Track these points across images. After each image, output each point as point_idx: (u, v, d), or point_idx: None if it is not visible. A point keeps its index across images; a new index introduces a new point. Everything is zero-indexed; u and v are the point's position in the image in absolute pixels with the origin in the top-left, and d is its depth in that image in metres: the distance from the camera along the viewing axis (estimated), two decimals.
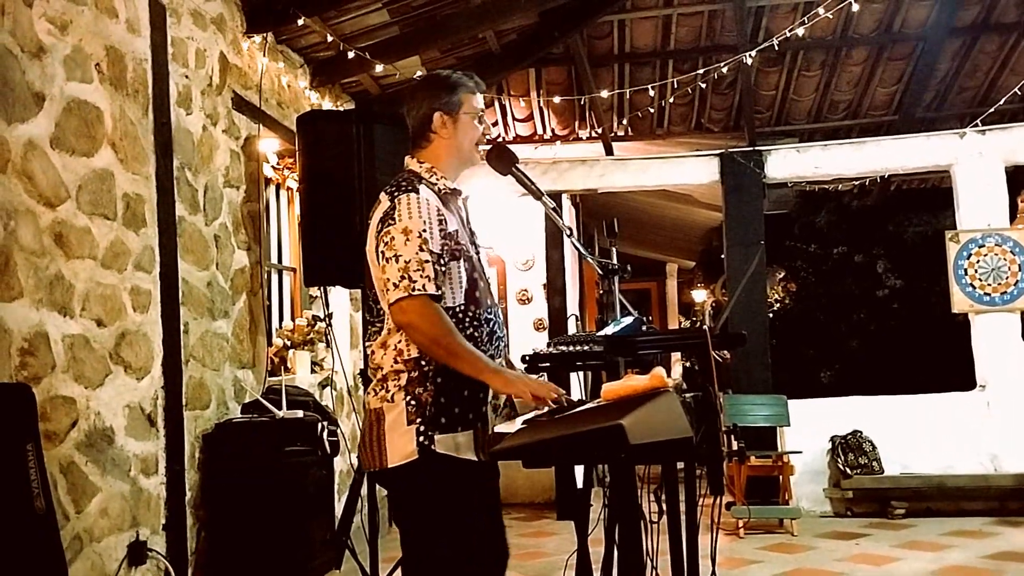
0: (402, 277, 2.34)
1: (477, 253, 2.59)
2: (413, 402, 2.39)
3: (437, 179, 2.56)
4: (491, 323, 2.52)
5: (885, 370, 9.67)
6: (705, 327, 2.53)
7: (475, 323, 2.47)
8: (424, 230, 2.39)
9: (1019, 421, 6.86)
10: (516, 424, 2.30)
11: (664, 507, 2.71)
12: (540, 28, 6.65)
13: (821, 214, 10.77)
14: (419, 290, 2.33)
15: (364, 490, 4.37)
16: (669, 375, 2.31)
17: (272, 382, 4.98)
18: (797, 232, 11.05)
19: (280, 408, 4.47)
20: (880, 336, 10.51)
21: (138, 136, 3.97)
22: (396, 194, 2.45)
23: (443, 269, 2.42)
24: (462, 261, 2.47)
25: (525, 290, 8.52)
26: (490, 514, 2.52)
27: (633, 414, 2.03)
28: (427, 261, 2.36)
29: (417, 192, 2.44)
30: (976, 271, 7.01)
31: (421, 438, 2.37)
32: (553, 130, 8.17)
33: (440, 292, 2.39)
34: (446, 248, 2.43)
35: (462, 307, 2.46)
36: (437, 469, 2.37)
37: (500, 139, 8.00)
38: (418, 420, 2.38)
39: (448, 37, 6.09)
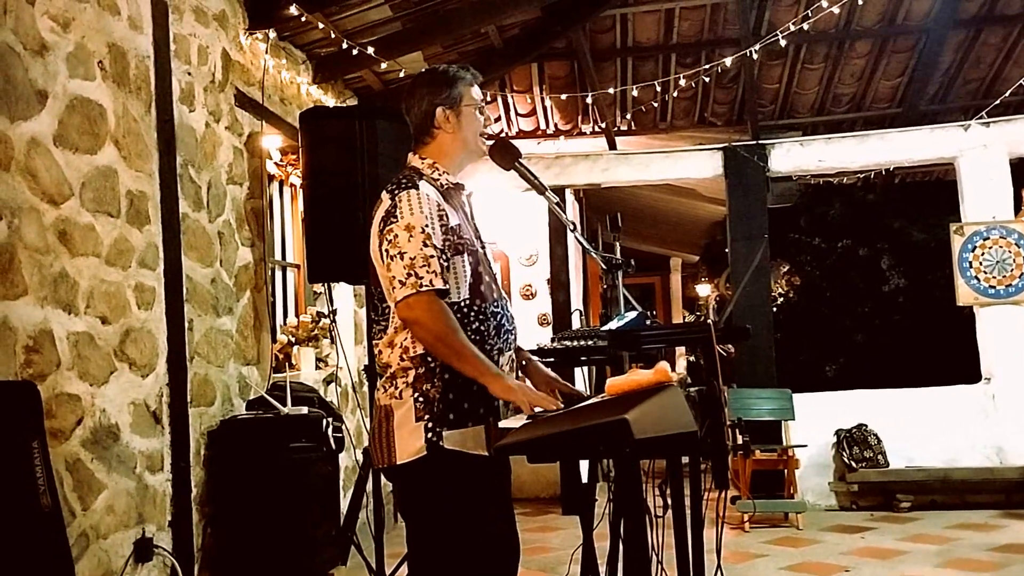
0: (408, 274, 2.34)
1: (482, 247, 2.58)
2: (421, 399, 2.39)
3: (439, 174, 2.55)
4: (498, 316, 2.51)
5: (890, 363, 9.65)
6: (709, 321, 2.53)
7: (480, 317, 2.46)
8: (427, 225, 2.38)
9: None
10: (521, 419, 2.30)
11: (669, 501, 2.72)
12: (542, 23, 6.65)
13: (835, 205, 10.74)
14: (426, 286, 2.33)
15: (369, 486, 4.38)
16: (673, 369, 2.31)
17: (277, 379, 4.98)
18: (804, 225, 11.03)
19: (285, 404, 4.48)
20: (885, 329, 10.50)
21: (141, 133, 3.97)
22: (396, 191, 2.44)
23: (447, 264, 2.41)
24: (466, 255, 2.46)
25: (529, 285, 8.51)
26: (501, 509, 2.52)
27: (638, 408, 2.04)
28: (432, 256, 2.36)
29: (417, 188, 2.43)
30: (981, 264, 7.00)
31: (429, 435, 2.36)
32: (556, 125, 8.16)
33: (447, 286, 2.39)
34: (448, 243, 2.43)
35: (467, 301, 2.45)
36: (446, 465, 2.36)
37: (503, 134, 8.00)
38: (426, 417, 2.38)
39: (450, 32, 6.09)
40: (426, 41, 6.07)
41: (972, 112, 7.43)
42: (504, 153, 2.66)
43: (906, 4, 6.93)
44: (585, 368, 4.21)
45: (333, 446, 4.53)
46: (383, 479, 3.88)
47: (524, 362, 2.69)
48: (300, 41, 5.68)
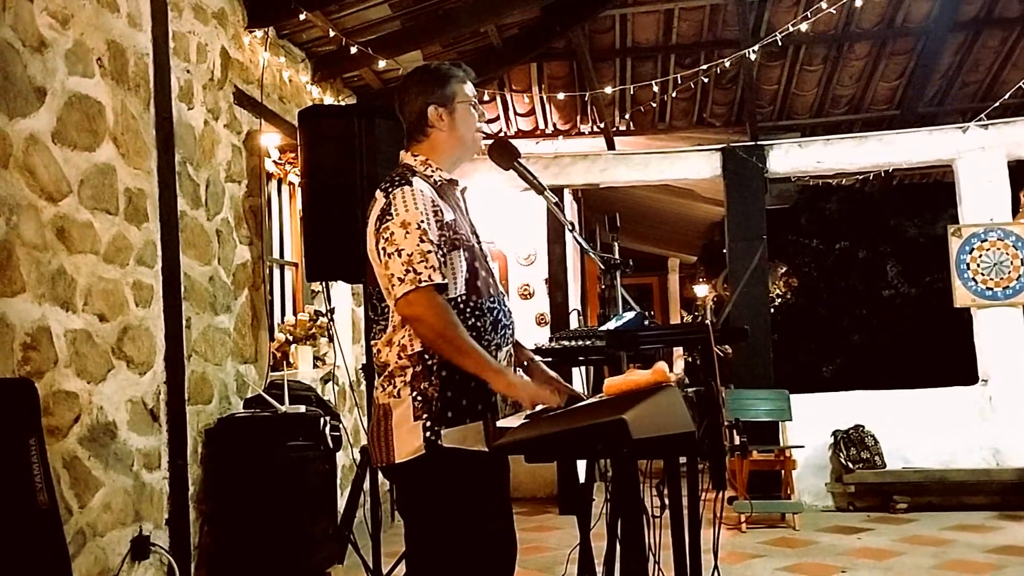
0: (407, 271, 2.34)
1: (478, 243, 2.58)
2: (420, 397, 2.39)
3: (432, 171, 2.55)
4: (495, 312, 2.50)
5: (887, 364, 9.68)
6: (707, 322, 2.54)
7: (477, 313, 2.46)
8: (422, 221, 2.38)
9: (1021, 415, 6.85)
10: (519, 418, 2.30)
11: (666, 501, 2.72)
12: (542, 22, 6.65)
13: (832, 199, 10.76)
14: (425, 281, 2.33)
15: (367, 485, 4.37)
16: (671, 370, 2.32)
17: (274, 377, 4.98)
18: (804, 223, 11.05)
19: (282, 403, 4.47)
20: (882, 330, 10.52)
21: (139, 131, 3.97)
22: (390, 189, 2.44)
23: (443, 260, 2.41)
24: (462, 251, 2.46)
25: (527, 285, 8.51)
26: (499, 508, 2.52)
27: (635, 409, 2.04)
28: (430, 252, 2.36)
29: (411, 184, 2.43)
30: (978, 265, 7.00)
31: (428, 433, 2.36)
32: (555, 125, 8.16)
33: (445, 281, 2.39)
34: (444, 238, 2.43)
35: (463, 297, 2.45)
36: (444, 463, 2.36)
37: (502, 133, 8.00)
38: (424, 415, 2.37)
39: (450, 31, 6.09)
40: (425, 40, 6.07)
41: (971, 114, 7.44)
42: (503, 152, 2.66)
43: (905, 6, 6.94)
44: (583, 368, 4.21)
45: (330, 444, 4.53)
46: (380, 477, 3.88)
47: (526, 362, 2.69)
48: (299, 39, 5.68)
